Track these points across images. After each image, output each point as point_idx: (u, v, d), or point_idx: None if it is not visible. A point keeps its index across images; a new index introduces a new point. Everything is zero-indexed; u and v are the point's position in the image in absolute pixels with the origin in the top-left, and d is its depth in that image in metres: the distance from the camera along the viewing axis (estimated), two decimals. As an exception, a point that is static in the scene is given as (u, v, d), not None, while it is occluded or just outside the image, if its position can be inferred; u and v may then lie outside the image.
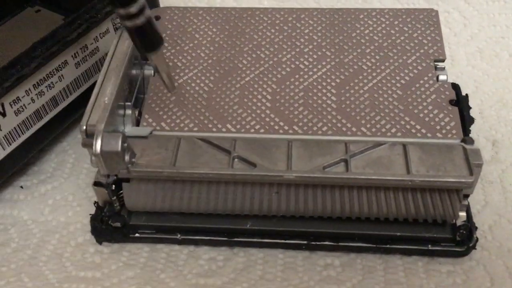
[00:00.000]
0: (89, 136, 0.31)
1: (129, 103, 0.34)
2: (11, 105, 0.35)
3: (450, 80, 0.36)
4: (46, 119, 0.38)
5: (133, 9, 0.28)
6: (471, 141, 0.32)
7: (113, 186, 0.33)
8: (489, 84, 0.44)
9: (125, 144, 0.30)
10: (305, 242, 0.34)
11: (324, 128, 0.34)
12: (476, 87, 0.43)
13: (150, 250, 0.34)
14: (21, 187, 0.38)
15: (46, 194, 0.38)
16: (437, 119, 0.34)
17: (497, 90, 0.43)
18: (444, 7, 0.50)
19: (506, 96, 0.43)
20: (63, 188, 0.38)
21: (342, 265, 0.33)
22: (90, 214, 0.35)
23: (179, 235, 0.34)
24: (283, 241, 0.34)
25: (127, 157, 0.31)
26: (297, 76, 0.37)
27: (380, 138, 0.33)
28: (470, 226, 0.33)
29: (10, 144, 0.36)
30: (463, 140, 0.32)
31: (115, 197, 0.33)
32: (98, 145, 0.30)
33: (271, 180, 0.31)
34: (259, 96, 0.36)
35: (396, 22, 0.39)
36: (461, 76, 0.44)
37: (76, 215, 0.37)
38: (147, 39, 0.30)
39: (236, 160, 0.32)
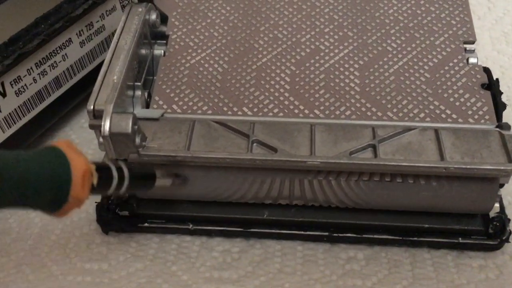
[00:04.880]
0: (97, 117, 0.29)
1: (138, 83, 0.32)
2: (11, 85, 0.33)
3: (476, 65, 0.34)
4: (48, 101, 0.36)
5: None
6: (508, 127, 0.30)
7: (122, 171, 0.30)
8: (515, 69, 0.41)
9: (136, 126, 0.28)
10: (326, 233, 0.32)
11: (348, 113, 0.31)
12: (502, 73, 0.41)
13: (160, 241, 0.32)
14: (22, 173, 0.36)
15: (48, 181, 0.36)
16: (468, 104, 0.31)
17: (524, 76, 0.41)
18: (467, -10, 0.47)
19: (534, 83, 0.40)
20: (67, 175, 0.36)
21: (366, 258, 0.31)
22: (96, 202, 0.33)
23: (190, 225, 0.32)
24: (302, 232, 0.32)
25: (137, 140, 0.28)
26: (317, 58, 0.34)
27: (408, 123, 0.31)
28: (503, 218, 0.31)
29: (10, 127, 0.34)
30: (498, 126, 0.30)
31: (123, 184, 0.31)
32: (107, 126, 0.28)
33: (293, 166, 0.29)
34: (277, 78, 0.33)
35: (422, 2, 0.37)
36: (486, 61, 0.42)
37: (80, 203, 0.34)
38: None
39: (255, 144, 0.29)
